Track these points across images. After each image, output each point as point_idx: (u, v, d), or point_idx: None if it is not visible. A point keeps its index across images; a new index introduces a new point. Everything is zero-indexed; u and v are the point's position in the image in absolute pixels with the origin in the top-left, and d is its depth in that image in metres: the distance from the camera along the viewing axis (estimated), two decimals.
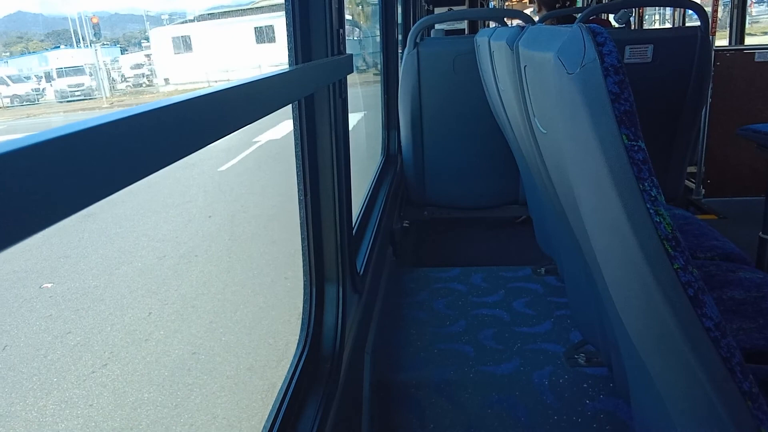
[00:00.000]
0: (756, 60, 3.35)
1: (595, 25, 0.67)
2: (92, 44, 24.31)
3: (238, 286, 4.36)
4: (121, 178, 0.38)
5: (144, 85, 26.72)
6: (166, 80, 25.80)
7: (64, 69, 24.27)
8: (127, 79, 27.23)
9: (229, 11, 26.96)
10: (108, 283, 4.71)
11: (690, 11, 4.80)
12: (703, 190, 3.53)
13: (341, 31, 1.21)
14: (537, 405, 1.48)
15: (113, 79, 26.68)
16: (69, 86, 23.68)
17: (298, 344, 1.19)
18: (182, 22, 28.00)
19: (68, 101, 22.93)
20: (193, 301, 4.20)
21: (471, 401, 1.50)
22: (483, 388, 1.52)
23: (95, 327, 3.93)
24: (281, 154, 9.25)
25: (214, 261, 5.02)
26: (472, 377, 1.55)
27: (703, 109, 3.32)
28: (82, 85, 23.96)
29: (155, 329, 3.78)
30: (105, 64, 25.74)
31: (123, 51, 30.04)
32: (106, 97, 23.37)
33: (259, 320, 3.78)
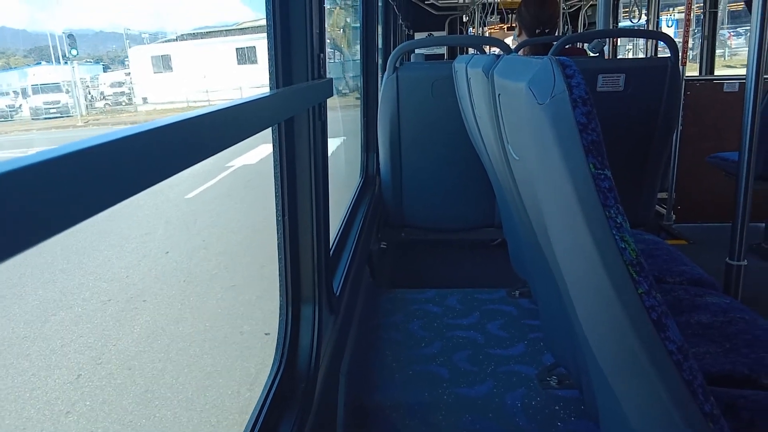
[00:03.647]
0: (725, 90, 3.45)
1: (565, 57, 0.70)
2: (70, 60, 23.97)
3: (185, 342, 3.81)
4: (90, 207, 0.37)
5: (123, 104, 26.32)
6: (144, 99, 25.53)
7: (39, 86, 23.78)
8: (107, 97, 26.85)
9: (211, 32, 26.91)
10: (39, 333, 4.11)
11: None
12: (674, 215, 3.61)
13: (322, 55, 1.23)
14: (509, 427, 1.49)
15: (93, 97, 26.30)
16: (45, 103, 23.19)
17: (272, 364, 1.19)
18: (166, 41, 27.81)
19: (44, 119, 22.44)
20: (130, 361, 3.63)
21: (445, 423, 1.51)
22: (457, 410, 1.53)
23: (10, 392, 3.32)
24: (254, 181, 8.83)
25: (163, 308, 4.45)
26: (446, 399, 1.55)
27: (674, 137, 3.41)
28: (58, 102, 23.45)
29: (80, 399, 3.21)
30: (83, 82, 25.41)
31: (105, 69, 29.70)
32: (82, 115, 22.84)
33: (204, 391, 3.20)
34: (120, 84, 27.28)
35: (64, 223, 0.34)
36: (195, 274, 5.11)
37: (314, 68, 1.18)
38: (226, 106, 0.66)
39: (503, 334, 1.86)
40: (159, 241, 6.19)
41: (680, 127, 3.46)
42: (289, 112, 1.06)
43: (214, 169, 9.67)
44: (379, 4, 3.45)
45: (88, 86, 26.20)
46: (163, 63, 25.81)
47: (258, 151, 10.49)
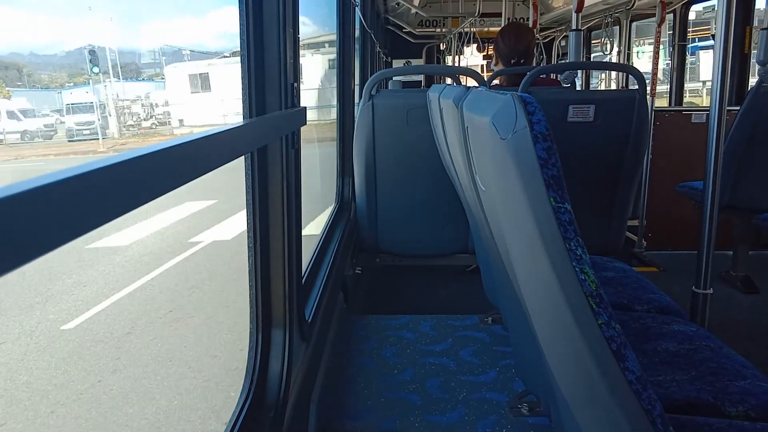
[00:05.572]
0: (693, 121, 3.55)
1: (526, 95, 0.73)
2: (91, 80, 22.54)
3: None
4: (52, 240, 0.36)
5: (168, 124, 24.68)
6: (181, 121, 23.87)
7: (71, 105, 22.56)
8: (157, 117, 25.33)
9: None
10: None
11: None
12: (645, 243, 3.67)
13: (295, 84, 1.25)
14: None
15: (140, 116, 24.69)
16: (77, 124, 21.99)
17: (241, 392, 1.18)
18: (221, 57, 26.13)
19: (74, 141, 21.11)
20: None
21: None
22: None
23: None
24: (221, 272, 5.61)
25: None
26: (417, 426, 1.55)
27: (644, 166, 3.48)
28: (92, 123, 22.12)
29: None
30: (137, 100, 23.63)
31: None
32: (103, 139, 20.86)
33: None
34: (169, 103, 25.89)
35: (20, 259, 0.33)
36: None
37: (288, 97, 1.20)
38: (198, 136, 0.67)
39: (475, 361, 1.87)
40: None
41: (650, 156, 3.55)
42: (262, 141, 1.07)
43: (173, 245, 6.38)
44: (356, 32, 3.50)
45: (142, 104, 24.90)
46: (201, 82, 23.84)
47: (241, 219, 7.13)
